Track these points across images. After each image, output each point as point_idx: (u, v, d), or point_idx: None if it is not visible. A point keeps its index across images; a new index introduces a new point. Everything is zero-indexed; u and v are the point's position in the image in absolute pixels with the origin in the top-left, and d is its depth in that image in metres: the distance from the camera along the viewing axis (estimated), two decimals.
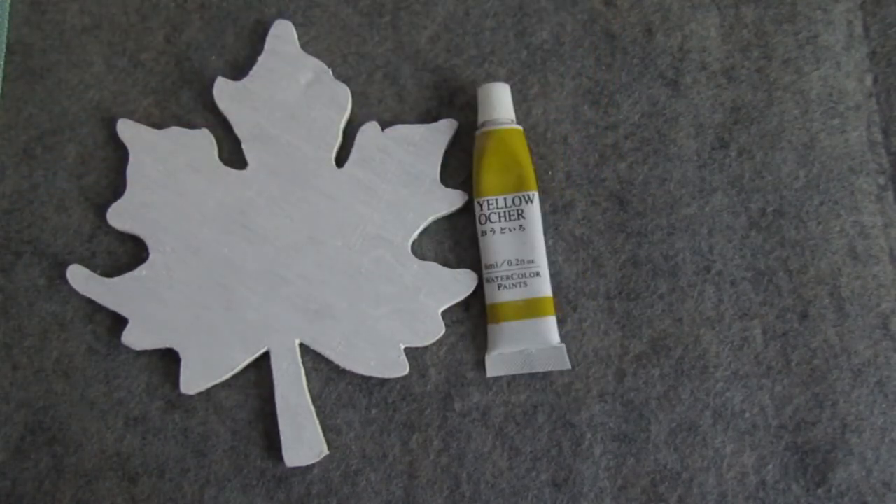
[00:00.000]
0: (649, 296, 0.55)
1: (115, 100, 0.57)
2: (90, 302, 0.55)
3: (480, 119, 0.55)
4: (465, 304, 0.55)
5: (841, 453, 0.53)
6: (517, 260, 0.53)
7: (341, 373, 0.54)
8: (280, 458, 0.53)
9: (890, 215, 0.56)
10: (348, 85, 0.56)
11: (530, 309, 0.53)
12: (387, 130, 0.56)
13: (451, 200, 0.55)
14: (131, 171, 0.55)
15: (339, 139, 0.56)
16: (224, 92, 0.56)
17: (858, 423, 0.53)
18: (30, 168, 0.57)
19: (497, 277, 0.53)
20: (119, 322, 0.54)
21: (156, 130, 0.56)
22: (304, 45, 0.57)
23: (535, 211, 0.54)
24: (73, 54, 0.58)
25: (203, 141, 0.55)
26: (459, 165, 0.56)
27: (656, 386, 0.54)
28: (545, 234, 0.55)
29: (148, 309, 0.54)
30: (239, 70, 0.57)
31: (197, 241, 0.54)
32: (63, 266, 0.55)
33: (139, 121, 0.57)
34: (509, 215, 0.53)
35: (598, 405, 0.54)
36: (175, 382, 0.54)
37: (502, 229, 0.53)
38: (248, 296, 0.54)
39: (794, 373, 0.54)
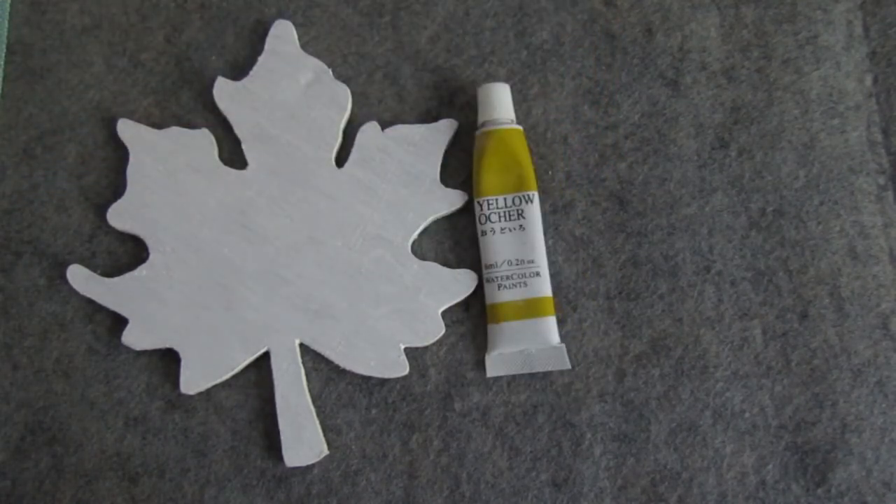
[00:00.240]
0: (649, 296, 0.55)
1: (115, 100, 0.57)
2: (90, 302, 0.55)
3: (480, 119, 0.55)
4: (465, 304, 0.55)
5: (841, 453, 0.53)
6: (517, 260, 0.53)
7: (341, 373, 0.54)
8: (280, 458, 0.53)
9: (890, 215, 0.56)
10: (348, 85, 0.56)
11: (530, 309, 0.53)
12: (387, 130, 0.56)
13: (451, 200, 0.55)
14: (131, 171, 0.55)
15: (339, 139, 0.56)
16: (224, 92, 0.56)
17: (858, 423, 0.53)
18: (30, 168, 0.57)
19: (497, 277, 0.53)
20: (119, 322, 0.54)
21: (156, 130, 0.56)
22: (304, 45, 0.57)
23: (535, 211, 0.54)
24: (73, 54, 0.58)
25: (203, 141, 0.55)
26: (459, 165, 0.56)
27: (656, 386, 0.54)
28: (545, 234, 0.55)
29: (148, 309, 0.54)
30: (239, 70, 0.57)
31: (197, 241, 0.54)
32: (63, 266, 0.55)
33: (139, 121, 0.57)
34: (509, 215, 0.53)
35: (598, 405, 0.54)
36: (175, 382, 0.54)
37: (502, 229, 0.53)
38: (248, 296, 0.54)
39: (794, 373, 0.54)
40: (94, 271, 0.55)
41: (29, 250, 0.56)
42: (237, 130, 0.56)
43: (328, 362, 0.54)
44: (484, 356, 0.54)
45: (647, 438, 0.53)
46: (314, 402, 0.54)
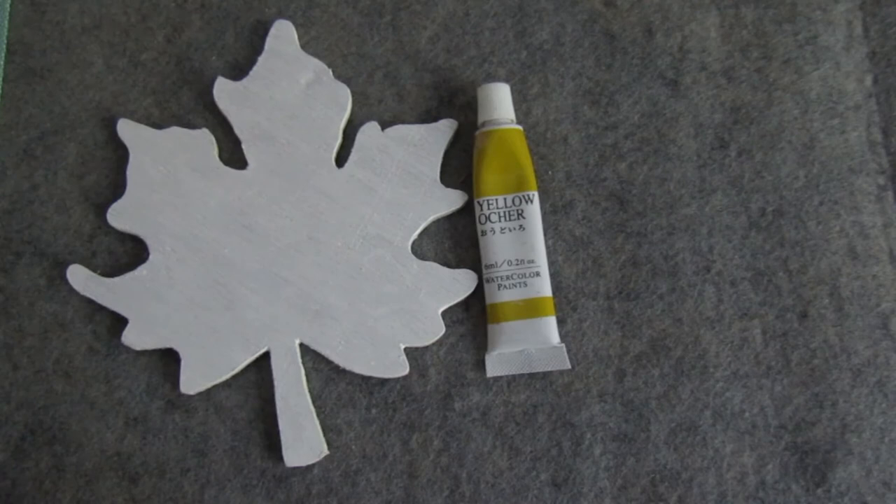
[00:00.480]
0: (649, 296, 0.55)
1: (115, 100, 0.57)
2: (90, 302, 0.55)
3: (480, 119, 0.55)
4: (465, 304, 0.55)
5: (841, 453, 0.53)
6: (517, 260, 0.53)
7: (341, 373, 0.54)
8: (280, 458, 0.53)
9: (890, 215, 0.56)
10: (348, 85, 0.56)
11: (530, 309, 0.53)
12: (387, 130, 0.56)
13: (451, 200, 0.55)
14: (131, 171, 0.55)
15: (339, 139, 0.56)
16: (224, 92, 0.56)
17: (858, 423, 0.53)
18: (30, 168, 0.57)
19: (497, 277, 0.53)
20: (119, 322, 0.54)
21: (156, 130, 0.56)
22: (304, 45, 0.57)
23: (535, 211, 0.54)
24: (73, 54, 0.58)
25: (203, 141, 0.56)
26: (459, 165, 0.56)
27: (656, 386, 0.54)
28: (545, 234, 0.55)
29: (148, 309, 0.54)
30: (239, 70, 0.57)
31: (197, 241, 0.54)
32: (63, 266, 0.55)
33: (139, 121, 0.57)
34: (509, 215, 0.53)
35: (598, 405, 0.54)
36: (175, 382, 0.54)
37: (502, 229, 0.53)
38: (248, 296, 0.54)
39: (794, 373, 0.54)
40: (94, 271, 0.55)
41: (29, 250, 0.56)
42: (237, 130, 0.56)
43: (328, 362, 0.54)
44: (484, 356, 0.54)
45: (647, 438, 0.53)
46: (314, 402, 0.54)
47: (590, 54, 0.57)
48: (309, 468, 0.53)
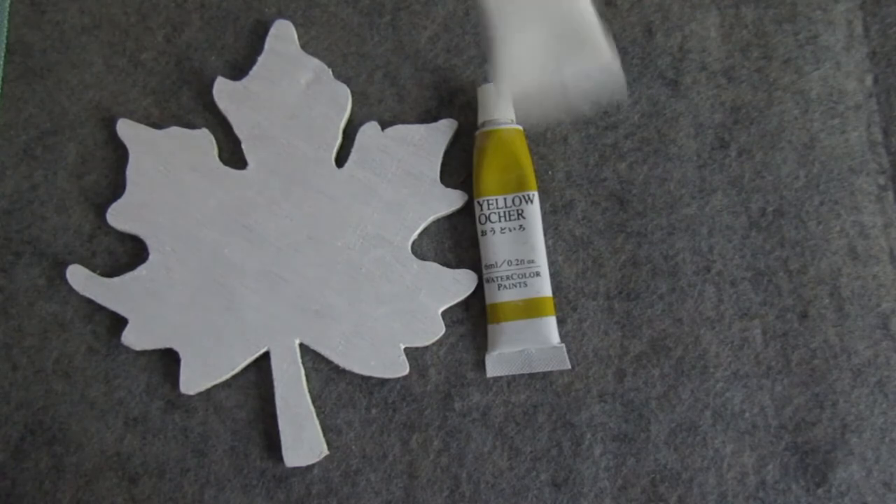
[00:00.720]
0: (649, 296, 0.55)
1: (115, 100, 0.57)
2: (90, 302, 0.55)
3: (480, 119, 0.55)
4: (465, 304, 0.55)
5: (841, 453, 0.53)
6: (517, 260, 0.53)
7: (341, 373, 0.54)
8: (280, 458, 0.53)
9: (890, 215, 0.56)
10: (348, 85, 0.56)
11: (530, 309, 0.53)
12: (387, 130, 0.56)
13: (451, 200, 0.55)
14: (131, 171, 0.55)
15: (339, 139, 0.56)
16: (224, 92, 0.56)
17: (858, 423, 0.53)
18: (30, 168, 0.57)
19: (497, 277, 0.53)
20: (119, 322, 0.54)
21: (156, 130, 0.56)
22: (304, 45, 0.57)
23: (535, 211, 0.54)
24: (73, 54, 0.58)
25: (203, 141, 0.55)
26: (459, 165, 0.56)
27: (656, 386, 0.54)
28: (545, 234, 0.55)
29: (148, 309, 0.54)
30: (239, 70, 0.57)
31: (197, 241, 0.54)
32: (63, 266, 0.55)
33: (139, 121, 0.57)
34: (509, 215, 0.53)
35: (598, 405, 0.54)
36: (175, 382, 0.54)
37: (502, 229, 0.53)
38: (248, 296, 0.54)
39: (794, 373, 0.54)
40: (94, 271, 0.55)
41: (29, 250, 0.56)
42: (237, 130, 0.56)
43: (328, 362, 0.54)
44: (484, 356, 0.54)
45: (647, 438, 0.53)
46: (314, 402, 0.54)
47: None
48: (309, 468, 0.53)
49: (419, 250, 0.55)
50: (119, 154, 0.56)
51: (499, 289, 0.53)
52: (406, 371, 0.53)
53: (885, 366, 0.54)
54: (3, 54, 0.58)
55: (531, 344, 0.53)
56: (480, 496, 0.53)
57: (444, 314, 0.54)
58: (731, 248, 0.55)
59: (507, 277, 0.53)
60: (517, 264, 0.53)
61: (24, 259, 0.55)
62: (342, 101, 0.56)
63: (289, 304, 0.54)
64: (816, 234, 0.55)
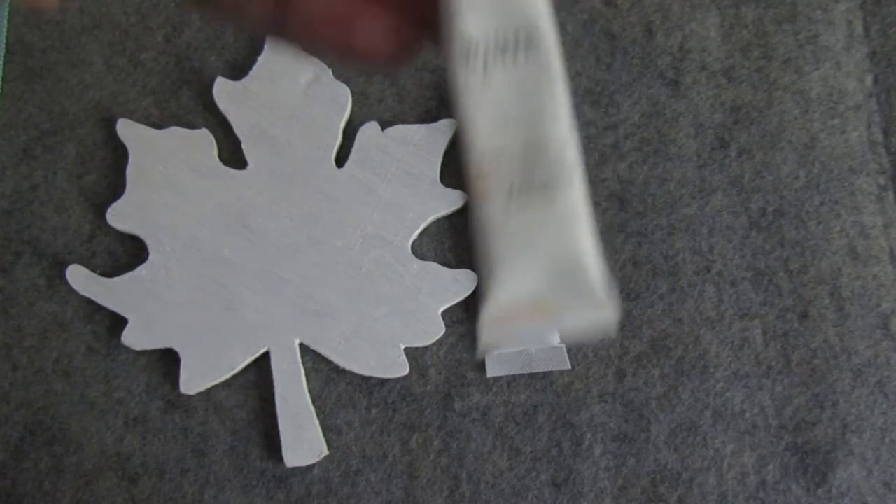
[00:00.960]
0: (649, 296, 0.55)
1: (115, 100, 0.57)
2: (90, 302, 0.55)
3: None
4: (465, 304, 0.55)
5: (841, 453, 0.53)
6: None
7: (341, 373, 0.54)
8: (280, 458, 0.53)
9: (890, 215, 0.56)
10: (348, 85, 0.56)
11: None
12: (387, 130, 0.56)
13: (451, 200, 0.55)
14: (131, 171, 0.55)
15: (339, 139, 0.56)
16: (224, 92, 0.56)
17: (859, 423, 0.53)
18: (30, 168, 0.57)
19: None
20: (119, 322, 0.54)
21: (156, 130, 0.56)
22: None
23: None
24: (73, 54, 0.58)
25: (203, 141, 0.55)
26: (459, 165, 0.56)
27: (656, 386, 0.54)
28: None
29: (148, 309, 0.54)
30: (239, 70, 0.57)
31: (197, 241, 0.54)
32: (63, 266, 0.55)
33: (139, 121, 0.57)
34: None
35: (598, 405, 0.54)
36: (175, 382, 0.54)
37: None
38: (248, 296, 0.54)
39: (795, 373, 0.54)
40: (94, 271, 0.55)
41: (29, 250, 0.56)
42: (237, 130, 0.56)
43: (328, 362, 0.54)
44: (484, 356, 0.54)
45: (647, 438, 0.53)
46: (314, 402, 0.54)
47: (590, 54, 0.57)
48: (309, 468, 0.53)
49: (419, 250, 0.55)
50: (119, 154, 0.56)
51: None
52: (406, 371, 0.53)
53: (886, 366, 0.54)
54: (3, 54, 0.58)
55: (531, 344, 0.53)
56: (480, 496, 0.53)
57: (444, 314, 0.54)
58: (731, 248, 0.55)
59: None
60: None
61: (24, 259, 0.55)
62: (342, 101, 0.56)
63: (289, 304, 0.54)
64: (816, 234, 0.55)
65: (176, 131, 0.56)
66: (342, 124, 0.56)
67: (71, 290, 0.55)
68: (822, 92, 0.57)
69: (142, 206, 0.55)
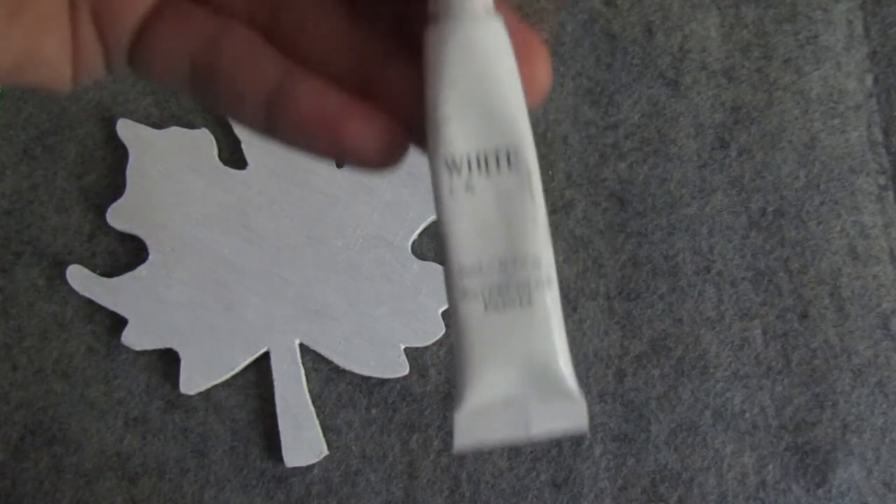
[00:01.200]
0: (649, 296, 0.55)
1: (115, 100, 0.57)
2: (90, 302, 0.55)
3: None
4: None
5: (841, 453, 0.53)
6: None
7: (341, 373, 0.54)
8: (280, 458, 0.53)
9: (890, 215, 0.56)
10: None
11: None
12: None
13: None
14: (131, 171, 0.55)
15: None
16: None
17: (859, 423, 0.53)
18: (30, 168, 0.57)
19: None
20: (119, 322, 0.54)
21: (156, 130, 0.56)
22: None
23: None
24: None
25: (203, 141, 0.55)
26: None
27: (656, 386, 0.54)
28: None
29: (148, 309, 0.54)
30: None
31: (197, 241, 0.54)
32: (63, 266, 0.55)
33: (139, 121, 0.57)
34: None
35: (598, 405, 0.54)
36: (175, 382, 0.54)
37: None
38: (248, 296, 0.54)
39: (795, 373, 0.54)
40: (94, 271, 0.55)
41: (29, 250, 0.56)
42: (237, 130, 0.56)
43: (328, 362, 0.54)
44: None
45: (647, 438, 0.53)
46: (314, 402, 0.54)
47: (590, 54, 0.57)
48: (309, 468, 0.53)
49: (419, 250, 0.55)
50: (119, 154, 0.56)
51: None
52: (406, 371, 0.53)
53: (886, 366, 0.54)
54: None
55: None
56: (480, 496, 0.53)
57: (444, 314, 0.54)
58: (731, 248, 0.55)
59: None
60: None
61: (24, 259, 0.55)
62: None
63: (289, 304, 0.54)
64: (817, 234, 0.55)
65: (176, 131, 0.56)
66: None
67: (71, 290, 0.55)
68: (822, 92, 0.57)
69: (142, 206, 0.55)
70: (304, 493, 0.53)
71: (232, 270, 0.54)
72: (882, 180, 0.56)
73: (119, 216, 0.55)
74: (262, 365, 0.54)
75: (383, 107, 0.25)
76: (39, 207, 0.56)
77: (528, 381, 0.24)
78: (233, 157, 0.56)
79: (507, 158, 0.24)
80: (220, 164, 0.55)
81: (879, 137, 0.57)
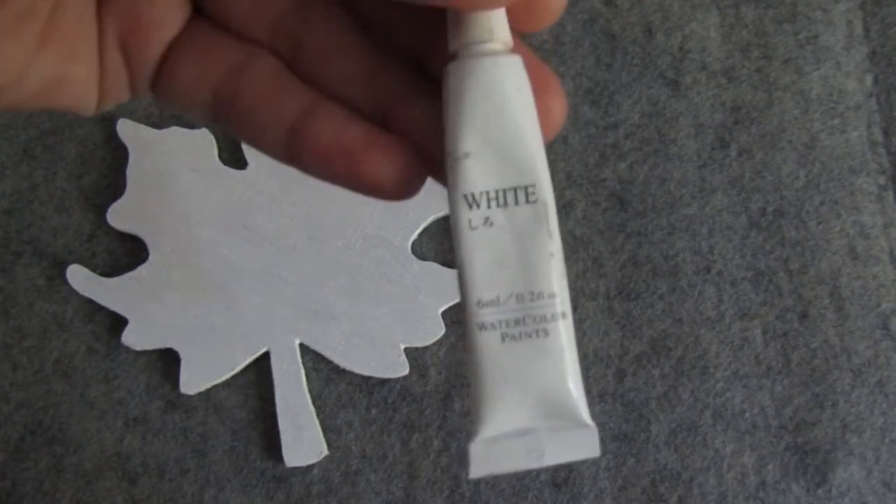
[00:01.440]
0: (649, 296, 0.55)
1: None
2: (90, 302, 0.55)
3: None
4: None
5: (841, 453, 0.53)
6: None
7: (341, 373, 0.54)
8: (280, 458, 0.53)
9: (890, 215, 0.56)
10: None
11: None
12: None
13: None
14: (131, 171, 0.55)
15: None
16: None
17: (859, 423, 0.53)
18: (30, 168, 0.57)
19: None
20: (119, 322, 0.54)
21: (156, 130, 0.56)
22: None
23: None
24: None
25: (203, 141, 0.55)
26: None
27: (656, 386, 0.54)
28: None
29: (148, 309, 0.54)
30: None
31: (197, 241, 0.54)
32: (63, 266, 0.55)
33: (139, 121, 0.57)
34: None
35: (598, 405, 0.54)
36: (175, 382, 0.54)
37: None
38: (248, 296, 0.54)
39: (794, 373, 0.54)
40: (94, 271, 0.55)
41: (29, 250, 0.56)
42: None
43: (328, 362, 0.54)
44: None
45: (647, 438, 0.53)
46: (314, 402, 0.54)
47: (590, 54, 0.57)
48: (309, 468, 0.53)
49: (419, 250, 0.55)
50: (119, 154, 0.56)
51: None
52: (406, 371, 0.53)
53: (886, 366, 0.54)
54: None
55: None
56: (480, 496, 0.53)
57: (444, 314, 0.54)
58: (731, 248, 0.55)
59: None
60: None
61: (24, 259, 0.55)
62: None
63: (289, 304, 0.54)
64: (816, 234, 0.55)
65: (176, 131, 0.56)
66: None
67: (71, 290, 0.55)
68: (822, 92, 0.57)
69: (142, 206, 0.55)
70: (304, 493, 0.53)
71: (232, 270, 0.54)
72: (882, 180, 0.56)
73: (119, 216, 0.55)
74: (262, 365, 0.54)
75: (402, 139, 0.25)
76: (39, 207, 0.56)
77: (542, 413, 0.25)
78: (233, 157, 0.56)
79: (525, 194, 0.25)
80: (220, 164, 0.55)
81: (879, 137, 0.57)
